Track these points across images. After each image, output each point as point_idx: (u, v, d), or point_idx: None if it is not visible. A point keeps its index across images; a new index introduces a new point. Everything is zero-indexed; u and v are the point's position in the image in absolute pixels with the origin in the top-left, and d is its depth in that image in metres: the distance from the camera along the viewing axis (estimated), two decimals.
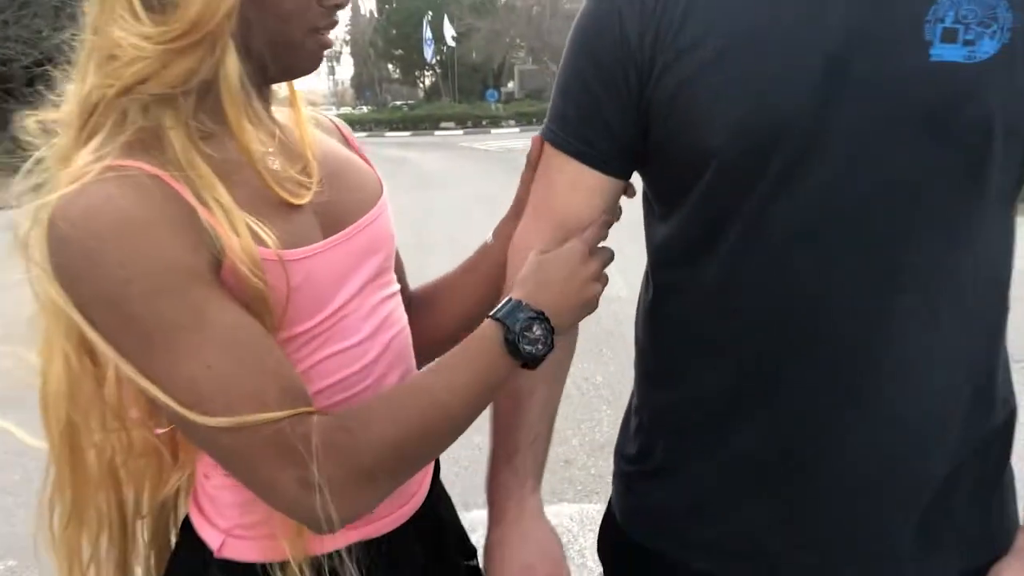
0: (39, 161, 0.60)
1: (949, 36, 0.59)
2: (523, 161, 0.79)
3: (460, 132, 23.95)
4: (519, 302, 0.65)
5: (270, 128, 0.64)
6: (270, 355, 0.57)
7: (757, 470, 0.70)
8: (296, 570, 0.63)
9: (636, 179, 0.77)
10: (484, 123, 25.07)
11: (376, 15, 38.82)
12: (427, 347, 0.79)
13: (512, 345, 0.62)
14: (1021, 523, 0.71)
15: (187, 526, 0.71)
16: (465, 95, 31.91)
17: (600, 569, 0.87)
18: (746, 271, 0.66)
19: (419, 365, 0.77)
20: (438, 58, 32.91)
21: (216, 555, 0.66)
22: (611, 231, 0.76)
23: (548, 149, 0.74)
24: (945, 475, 0.68)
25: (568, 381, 0.82)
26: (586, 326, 0.79)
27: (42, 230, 0.53)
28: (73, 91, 0.59)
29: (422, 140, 21.11)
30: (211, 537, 0.67)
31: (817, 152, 0.61)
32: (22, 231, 0.55)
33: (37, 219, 0.53)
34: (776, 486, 0.69)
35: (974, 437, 0.69)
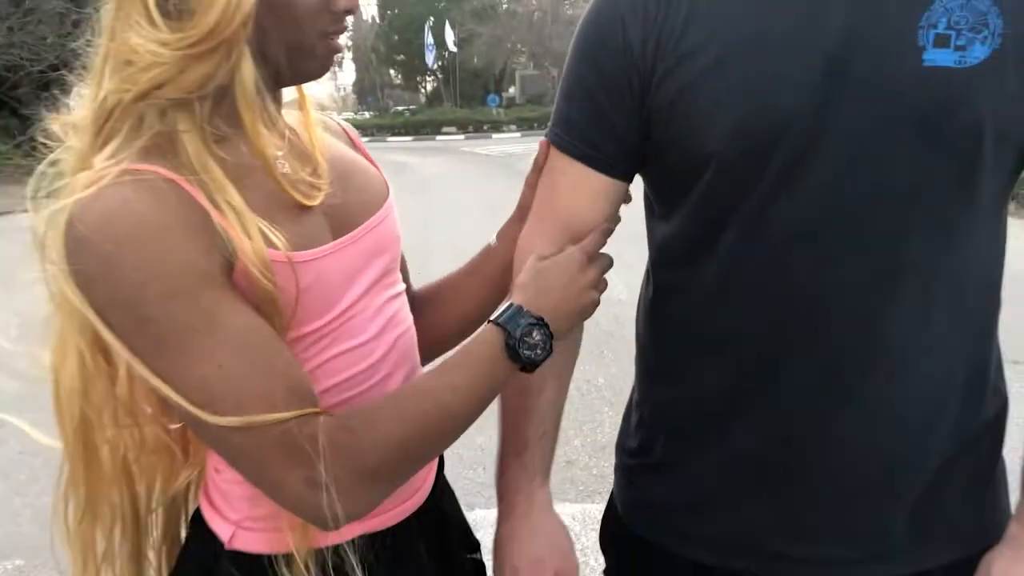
0: (54, 163, 0.62)
1: (941, 41, 0.60)
2: (524, 166, 0.81)
3: (462, 137, 23.98)
4: (520, 308, 0.66)
5: (281, 131, 0.66)
6: (279, 356, 0.58)
7: (755, 466, 0.71)
8: (300, 563, 0.65)
9: (634, 185, 0.78)
10: (485, 128, 25.09)
11: (378, 21, 38.93)
12: (428, 347, 0.80)
13: (512, 350, 0.64)
14: (1012, 514, 0.73)
15: (197, 519, 0.72)
16: (466, 100, 31.95)
17: (601, 568, 0.88)
18: (745, 271, 0.68)
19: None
20: (440, 63, 32.97)
21: (226, 547, 0.68)
22: (612, 235, 0.78)
23: (553, 152, 0.76)
24: (937, 468, 0.70)
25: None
26: (587, 328, 0.81)
27: (59, 232, 0.54)
28: (88, 96, 0.60)
29: (424, 145, 21.15)
30: (222, 529, 0.68)
31: (817, 152, 0.63)
32: (39, 232, 0.57)
33: (54, 221, 0.55)
34: (774, 482, 0.71)
35: (966, 431, 0.70)
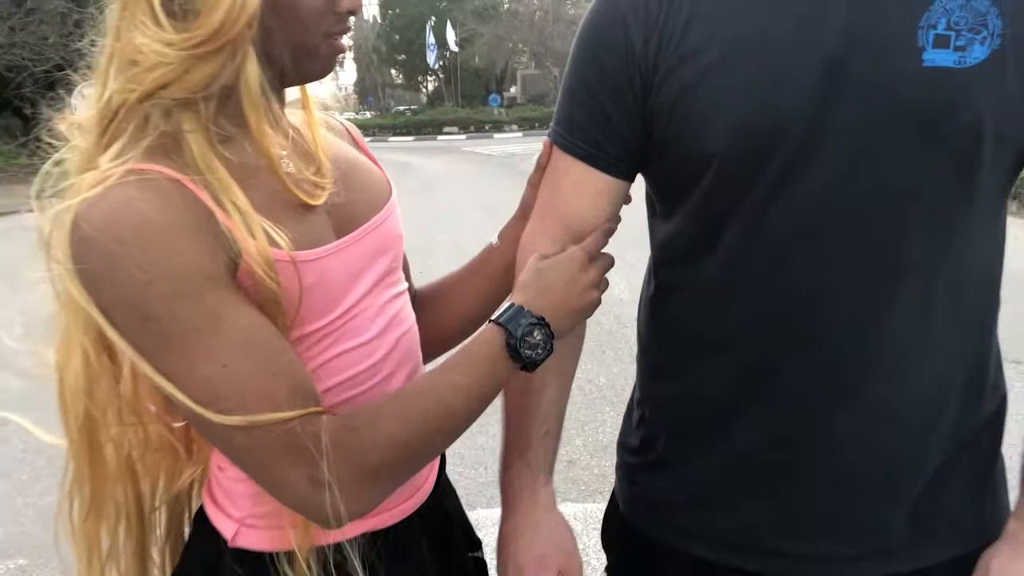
0: (58, 163, 0.62)
1: (941, 42, 0.60)
2: (526, 166, 0.81)
3: (463, 137, 23.99)
4: (521, 308, 0.66)
5: (285, 130, 0.66)
6: (283, 356, 0.58)
7: (756, 464, 0.71)
8: (302, 560, 0.65)
9: (634, 186, 0.78)
10: (487, 128, 25.10)
11: (379, 20, 38.92)
12: (429, 345, 0.80)
13: (513, 350, 0.64)
14: (1011, 511, 0.73)
15: (200, 517, 0.73)
16: (468, 100, 31.95)
17: (602, 567, 0.88)
18: (746, 270, 0.68)
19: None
20: (441, 63, 32.95)
21: (230, 544, 0.68)
22: (613, 235, 0.78)
23: (555, 152, 0.76)
24: (937, 466, 0.70)
25: None
26: (589, 328, 0.81)
27: (65, 231, 0.54)
28: (93, 96, 0.60)
29: (425, 145, 21.16)
30: (225, 527, 0.69)
31: (817, 151, 0.63)
32: (45, 232, 0.57)
33: (60, 221, 0.55)
34: (774, 480, 0.71)
35: (966, 429, 0.71)
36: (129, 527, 0.70)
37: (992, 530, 0.71)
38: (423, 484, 0.76)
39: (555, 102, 0.80)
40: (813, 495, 0.70)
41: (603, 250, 0.76)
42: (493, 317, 0.67)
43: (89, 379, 0.61)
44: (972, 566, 0.70)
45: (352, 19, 0.66)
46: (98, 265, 0.53)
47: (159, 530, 0.75)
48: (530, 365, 0.66)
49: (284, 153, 0.64)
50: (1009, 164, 0.66)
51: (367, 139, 0.84)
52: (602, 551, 0.89)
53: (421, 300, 0.86)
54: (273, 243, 0.58)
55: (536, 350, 0.65)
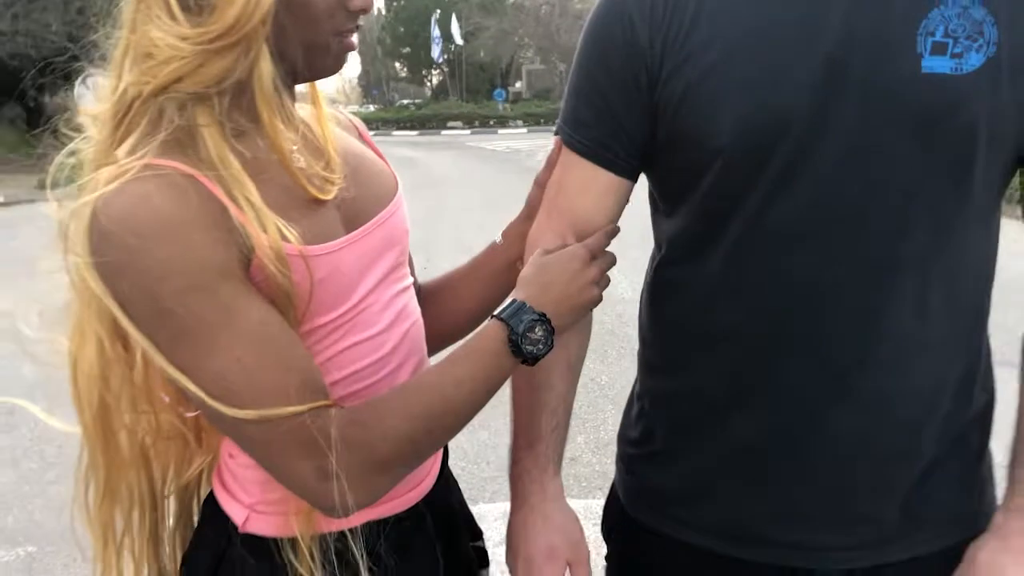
0: (72, 153, 0.63)
1: (939, 49, 0.62)
2: (531, 162, 0.83)
3: (467, 132, 23.94)
4: (523, 304, 0.68)
5: (296, 126, 0.67)
6: (294, 350, 0.60)
7: (754, 457, 0.73)
8: (304, 547, 0.67)
9: (635, 187, 0.79)
10: (491, 123, 25.06)
11: (384, 13, 38.81)
12: (430, 340, 0.81)
13: (515, 345, 0.66)
14: (998, 504, 0.74)
15: (210, 502, 0.74)
16: (473, 94, 31.88)
17: (603, 562, 0.89)
18: (746, 267, 0.69)
19: None
20: (446, 57, 32.88)
21: (240, 530, 0.69)
22: (616, 235, 0.79)
23: (562, 150, 0.77)
24: (929, 460, 0.71)
25: None
26: (591, 326, 0.82)
27: (84, 225, 0.55)
28: (108, 88, 0.61)
29: (429, 139, 21.15)
30: (236, 513, 0.70)
31: (817, 150, 0.64)
32: (63, 224, 0.58)
33: (79, 215, 0.56)
34: (772, 472, 0.72)
35: (956, 425, 0.72)
36: (142, 511, 0.71)
37: (981, 522, 0.73)
38: (427, 475, 0.78)
39: (561, 98, 0.80)
40: (809, 487, 0.72)
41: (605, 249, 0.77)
42: (495, 313, 0.68)
43: (103, 367, 0.62)
44: (957, 557, 0.72)
45: (363, 19, 0.66)
46: (117, 258, 0.55)
47: (169, 516, 0.76)
48: (531, 360, 0.67)
49: (295, 148, 0.65)
50: (1002, 166, 0.67)
51: (370, 133, 0.85)
52: (603, 545, 0.90)
53: (424, 295, 0.87)
54: (284, 238, 0.59)
55: (537, 346, 0.66)
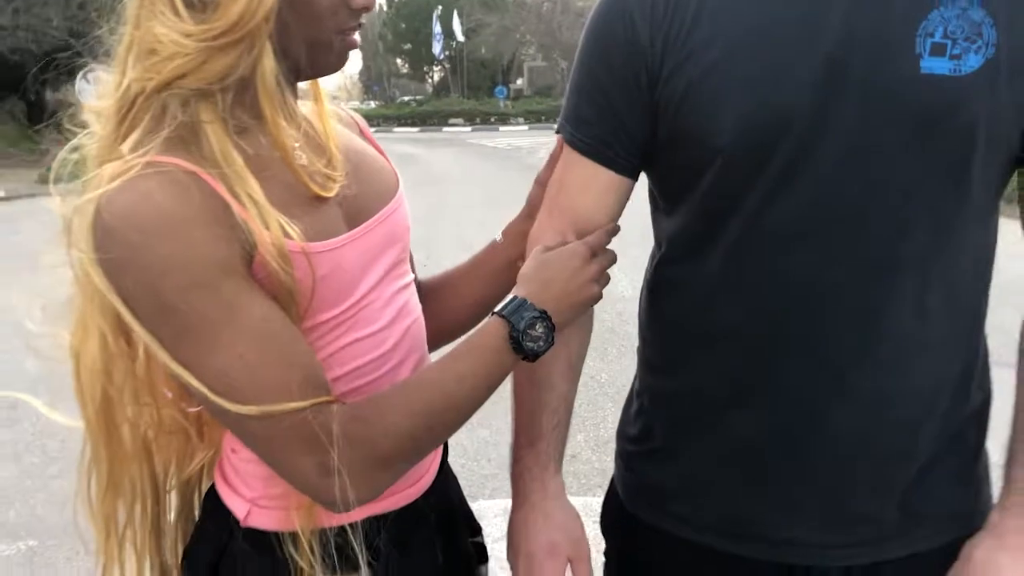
0: (75, 149, 0.63)
1: (938, 50, 0.62)
2: (532, 160, 0.83)
3: (468, 129, 23.91)
4: (524, 301, 0.68)
5: (298, 123, 0.68)
6: (296, 346, 0.60)
7: (752, 455, 0.73)
8: (305, 541, 0.67)
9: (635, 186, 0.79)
10: (492, 120, 25.01)
11: (385, 9, 38.71)
12: (429, 337, 0.82)
13: (516, 342, 0.66)
14: (994, 503, 0.74)
15: (211, 496, 0.75)
16: (474, 91, 31.83)
17: (602, 558, 0.90)
18: (746, 266, 0.69)
19: None
20: (447, 53, 32.83)
21: (242, 524, 0.70)
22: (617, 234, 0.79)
23: (563, 148, 0.77)
24: (927, 458, 0.72)
25: None
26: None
27: (87, 222, 0.56)
28: (112, 84, 0.62)
29: (430, 136, 21.12)
30: (238, 507, 0.71)
31: (817, 149, 0.64)
32: (66, 219, 0.59)
33: (82, 211, 0.56)
34: (772, 470, 0.73)
35: (954, 423, 0.73)
36: (144, 504, 0.72)
37: (977, 519, 0.73)
38: (427, 471, 0.78)
39: (562, 95, 0.81)
40: (808, 486, 0.72)
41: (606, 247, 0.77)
42: (496, 309, 0.68)
43: (107, 361, 0.63)
44: (953, 553, 0.72)
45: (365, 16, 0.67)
46: (120, 254, 0.55)
47: (170, 510, 0.77)
48: (532, 357, 0.67)
49: (297, 145, 0.65)
50: (1000, 166, 0.68)
51: (371, 129, 0.85)
52: (603, 542, 0.90)
53: (425, 292, 0.87)
54: (286, 234, 0.60)
55: (538, 343, 0.67)
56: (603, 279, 0.75)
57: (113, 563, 0.70)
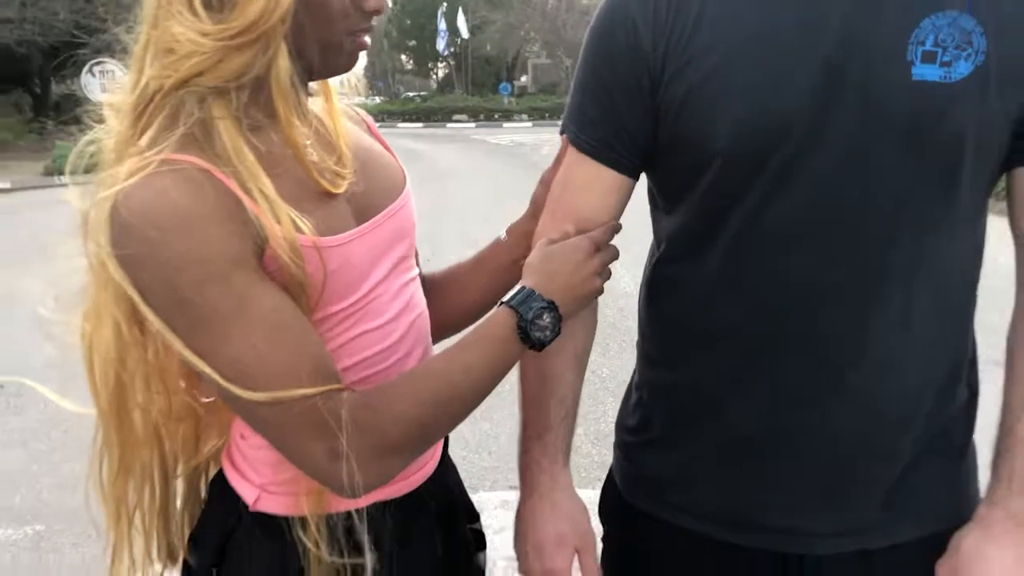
0: (91, 142, 0.65)
1: (928, 57, 0.64)
2: (536, 157, 0.84)
3: (472, 125, 23.86)
4: (532, 291, 0.70)
5: (309, 121, 0.69)
6: (306, 336, 0.62)
7: (750, 447, 0.75)
8: (313, 526, 0.69)
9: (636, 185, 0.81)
10: (496, 117, 24.95)
11: (390, 5, 38.46)
12: (432, 331, 0.83)
13: (523, 332, 0.68)
14: (981, 497, 0.76)
15: (218, 481, 0.77)
16: (478, 88, 31.75)
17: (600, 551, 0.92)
18: (745, 265, 0.71)
19: None
20: (452, 50, 32.75)
21: (251, 508, 0.72)
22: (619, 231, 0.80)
23: (567, 149, 0.79)
24: (912, 454, 0.74)
25: None
26: None
27: (104, 216, 0.58)
28: (129, 81, 0.64)
29: (434, 132, 21.10)
30: (246, 492, 0.73)
31: (814, 153, 0.66)
32: (83, 213, 0.60)
33: (100, 207, 0.58)
34: (767, 463, 0.75)
35: (940, 421, 0.74)
36: (153, 488, 0.74)
37: (963, 513, 0.75)
38: (429, 460, 0.80)
39: (567, 92, 0.82)
40: (799, 477, 0.74)
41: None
42: (504, 299, 0.70)
43: (120, 349, 0.64)
44: (940, 544, 0.74)
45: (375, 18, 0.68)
46: (137, 250, 0.57)
47: (177, 496, 0.79)
48: (539, 346, 0.69)
49: (308, 142, 0.67)
50: (988, 172, 0.69)
51: (376, 125, 0.86)
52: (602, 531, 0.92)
53: (429, 287, 0.89)
54: (298, 229, 0.61)
55: (545, 332, 0.68)
56: (605, 273, 0.77)
57: (123, 544, 0.72)
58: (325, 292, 0.64)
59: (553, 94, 26.93)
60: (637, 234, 0.93)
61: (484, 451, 2.65)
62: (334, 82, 0.75)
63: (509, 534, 0.84)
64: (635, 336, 0.88)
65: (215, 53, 0.59)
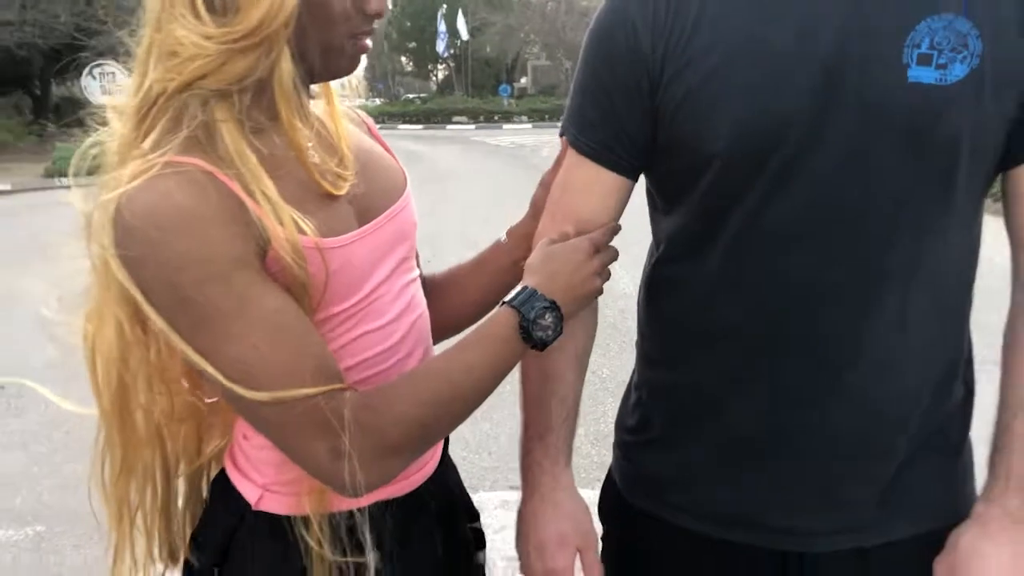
0: (95, 144, 0.66)
1: (924, 60, 0.64)
2: (536, 158, 0.85)
3: (472, 126, 23.86)
4: (534, 291, 0.70)
5: (311, 123, 0.70)
6: (308, 337, 0.62)
7: (749, 447, 0.75)
8: (315, 525, 0.69)
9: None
10: (496, 118, 24.96)
11: (390, 7, 38.44)
12: (432, 332, 0.83)
13: (525, 331, 0.68)
14: (979, 495, 0.77)
15: (220, 480, 0.77)
16: (478, 90, 31.76)
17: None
18: (745, 265, 0.71)
19: None
20: (452, 52, 32.77)
21: (254, 508, 0.72)
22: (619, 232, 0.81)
23: (567, 151, 0.79)
24: (908, 452, 0.74)
25: None
26: None
27: (108, 217, 0.58)
28: (133, 84, 0.64)
29: (434, 134, 21.11)
30: (249, 492, 0.73)
31: (813, 154, 0.66)
32: (87, 215, 0.61)
33: (104, 208, 0.59)
34: (763, 462, 0.75)
35: (936, 420, 0.75)
36: (155, 488, 0.74)
37: (960, 511, 0.75)
38: (430, 460, 0.81)
39: (566, 94, 0.82)
40: (799, 477, 0.75)
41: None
42: (506, 299, 0.70)
43: (123, 349, 0.65)
44: (937, 542, 0.74)
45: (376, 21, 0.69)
46: (140, 251, 0.57)
47: (179, 496, 0.79)
48: (540, 346, 0.69)
49: (310, 145, 0.67)
50: (984, 173, 0.70)
51: (376, 127, 0.87)
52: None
53: (430, 288, 0.89)
54: (300, 230, 0.62)
55: (547, 332, 0.69)
56: (605, 274, 0.77)
57: (125, 544, 0.73)
58: (327, 293, 0.65)
59: (553, 96, 26.93)
60: (636, 235, 0.93)
61: (484, 451, 2.66)
62: (335, 84, 0.76)
63: (509, 533, 0.84)
64: (635, 336, 0.88)
65: (219, 56, 0.59)
